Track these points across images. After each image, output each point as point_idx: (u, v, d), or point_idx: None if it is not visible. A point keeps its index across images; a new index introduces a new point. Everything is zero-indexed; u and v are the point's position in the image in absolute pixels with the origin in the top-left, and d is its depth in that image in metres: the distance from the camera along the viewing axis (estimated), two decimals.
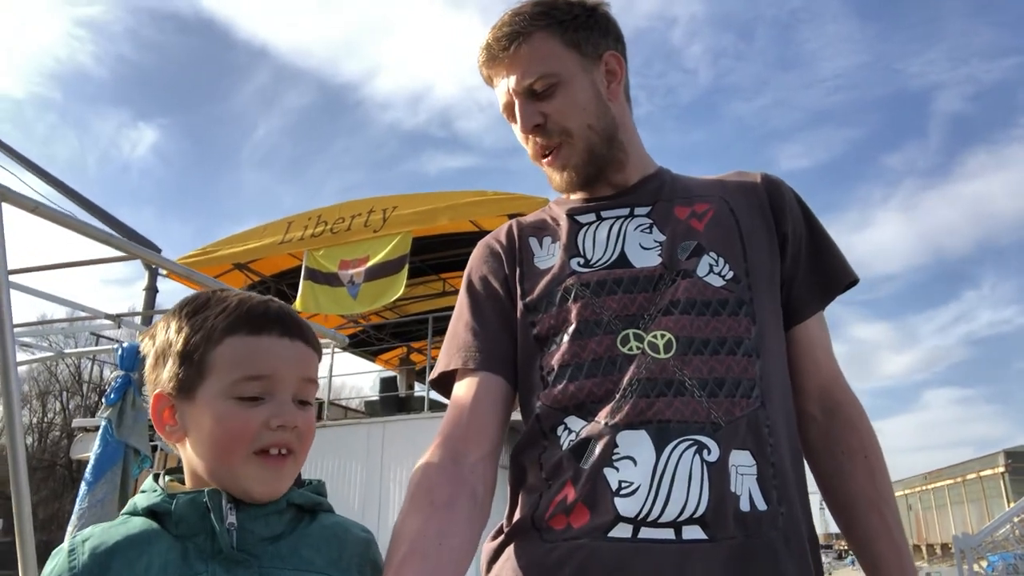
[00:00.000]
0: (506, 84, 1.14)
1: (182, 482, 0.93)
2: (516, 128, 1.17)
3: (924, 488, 41.79)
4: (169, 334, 0.91)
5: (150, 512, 0.87)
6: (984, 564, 10.05)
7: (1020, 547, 10.40)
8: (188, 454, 0.90)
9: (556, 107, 1.12)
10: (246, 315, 0.90)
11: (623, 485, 0.93)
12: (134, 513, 0.88)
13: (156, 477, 0.94)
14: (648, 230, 1.11)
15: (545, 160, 1.16)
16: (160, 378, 0.91)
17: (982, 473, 36.36)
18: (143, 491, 0.91)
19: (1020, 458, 34.11)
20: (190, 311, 0.92)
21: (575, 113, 1.12)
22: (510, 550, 1.01)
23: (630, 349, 1.00)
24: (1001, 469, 34.52)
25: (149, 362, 0.93)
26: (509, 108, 1.16)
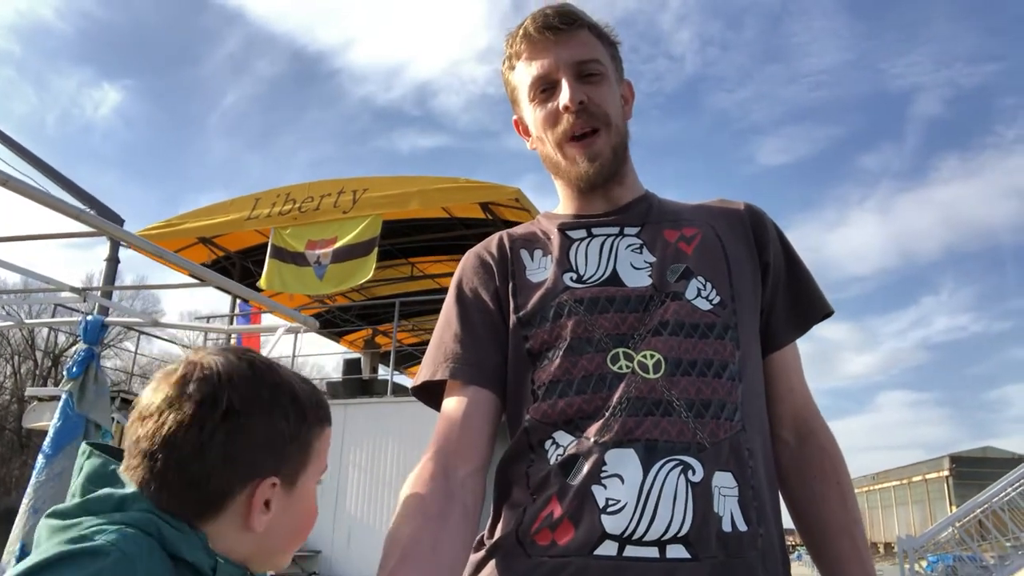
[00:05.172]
0: (552, 59, 1.14)
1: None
2: (540, 109, 1.16)
3: (872, 488, 42.89)
4: (276, 420, 0.85)
5: (170, 556, 0.76)
6: (923, 564, 10.37)
7: (959, 549, 10.78)
8: (246, 538, 0.83)
9: (601, 94, 1.15)
10: (325, 405, 0.94)
11: (610, 503, 0.94)
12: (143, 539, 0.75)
13: (174, 518, 0.78)
14: (639, 250, 1.12)
15: (579, 143, 1.15)
16: (264, 466, 0.83)
17: (928, 476, 37.43)
18: (182, 534, 0.77)
19: (964, 463, 35.23)
20: (283, 393, 0.87)
21: (613, 106, 1.17)
22: (492, 564, 1.02)
23: (620, 368, 1.01)
24: (945, 473, 35.58)
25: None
26: (544, 81, 1.15)
